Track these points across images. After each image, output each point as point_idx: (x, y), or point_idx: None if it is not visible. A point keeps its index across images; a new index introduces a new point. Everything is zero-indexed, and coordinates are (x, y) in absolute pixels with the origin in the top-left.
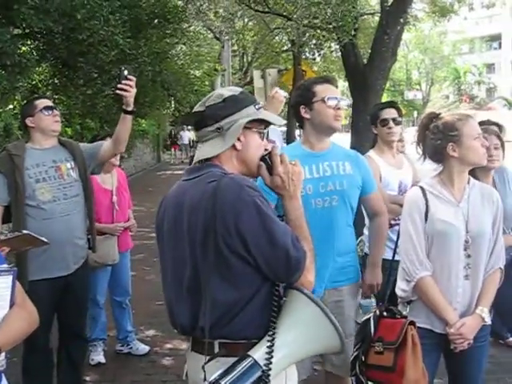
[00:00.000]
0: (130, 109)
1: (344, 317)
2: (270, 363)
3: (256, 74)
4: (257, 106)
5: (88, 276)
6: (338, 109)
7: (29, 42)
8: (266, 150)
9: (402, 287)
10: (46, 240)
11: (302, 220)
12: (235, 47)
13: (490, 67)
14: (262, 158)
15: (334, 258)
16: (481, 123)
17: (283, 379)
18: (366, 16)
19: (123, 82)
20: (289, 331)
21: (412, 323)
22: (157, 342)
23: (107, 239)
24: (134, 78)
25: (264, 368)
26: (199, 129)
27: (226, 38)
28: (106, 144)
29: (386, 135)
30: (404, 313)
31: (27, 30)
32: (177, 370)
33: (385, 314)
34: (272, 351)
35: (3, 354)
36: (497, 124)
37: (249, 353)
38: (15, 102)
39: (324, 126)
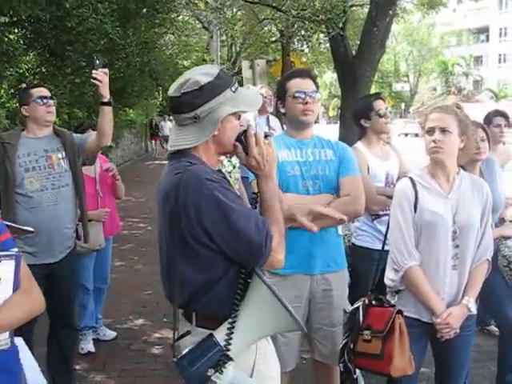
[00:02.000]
0: (105, 100)
1: (333, 306)
2: (229, 344)
3: (245, 64)
4: (233, 88)
5: (75, 265)
6: (306, 103)
7: (16, 31)
8: (241, 126)
9: (390, 277)
10: (30, 229)
11: (275, 200)
12: (224, 37)
13: (478, 60)
14: (238, 139)
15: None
16: (491, 113)
17: (254, 351)
18: (355, 7)
19: (95, 71)
20: (249, 314)
21: (400, 312)
22: (146, 331)
23: (93, 225)
24: (106, 69)
25: (223, 348)
26: (175, 113)
27: (218, 28)
28: (93, 137)
29: (384, 126)
30: (392, 302)
31: (15, 18)
32: (166, 358)
33: (373, 302)
34: (232, 333)
35: (6, 333)
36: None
37: (213, 333)
38: (2, 91)
39: (294, 119)
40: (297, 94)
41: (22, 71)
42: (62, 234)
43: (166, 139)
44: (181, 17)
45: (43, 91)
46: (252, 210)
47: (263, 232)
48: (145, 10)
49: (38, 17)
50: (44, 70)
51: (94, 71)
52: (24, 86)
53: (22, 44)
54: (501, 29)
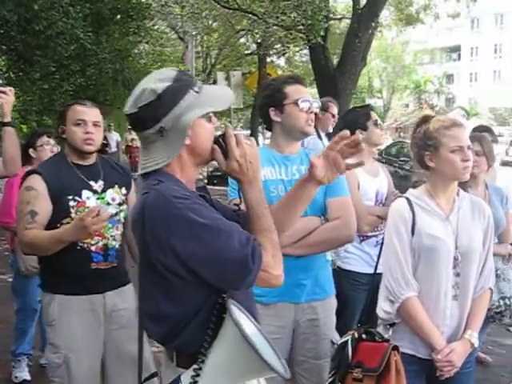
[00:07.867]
0: (6, 120)
1: (319, 337)
2: None
3: (220, 75)
4: (196, 88)
5: None
6: (311, 112)
7: None
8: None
9: (384, 308)
10: None
11: (263, 208)
12: (199, 48)
13: (450, 78)
14: (216, 141)
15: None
16: (475, 129)
17: None
18: (332, 21)
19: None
20: (217, 355)
21: (395, 348)
22: None
23: None
24: (12, 89)
25: None
26: (138, 131)
27: (194, 33)
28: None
29: (380, 138)
30: (386, 336)
31: None
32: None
33: (364, 336)
34: (198, 375)
35: None
36: (487, 129)
37: (181, 375)
38: None
39: (296, 129)
40: (302, 103)
41: None
42: None
43: (115, 157)
44: (156, 26)
45: None
46: (233, 224)
47: (247, 247)
48: (119, 17)
49: (4, 18)
50: (12, 75)
51: None
52: None
53: None
54: (472, 48)
